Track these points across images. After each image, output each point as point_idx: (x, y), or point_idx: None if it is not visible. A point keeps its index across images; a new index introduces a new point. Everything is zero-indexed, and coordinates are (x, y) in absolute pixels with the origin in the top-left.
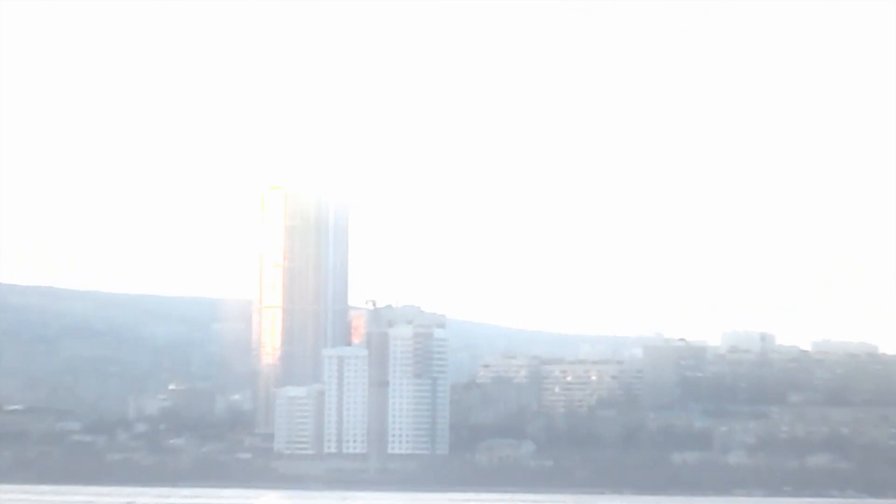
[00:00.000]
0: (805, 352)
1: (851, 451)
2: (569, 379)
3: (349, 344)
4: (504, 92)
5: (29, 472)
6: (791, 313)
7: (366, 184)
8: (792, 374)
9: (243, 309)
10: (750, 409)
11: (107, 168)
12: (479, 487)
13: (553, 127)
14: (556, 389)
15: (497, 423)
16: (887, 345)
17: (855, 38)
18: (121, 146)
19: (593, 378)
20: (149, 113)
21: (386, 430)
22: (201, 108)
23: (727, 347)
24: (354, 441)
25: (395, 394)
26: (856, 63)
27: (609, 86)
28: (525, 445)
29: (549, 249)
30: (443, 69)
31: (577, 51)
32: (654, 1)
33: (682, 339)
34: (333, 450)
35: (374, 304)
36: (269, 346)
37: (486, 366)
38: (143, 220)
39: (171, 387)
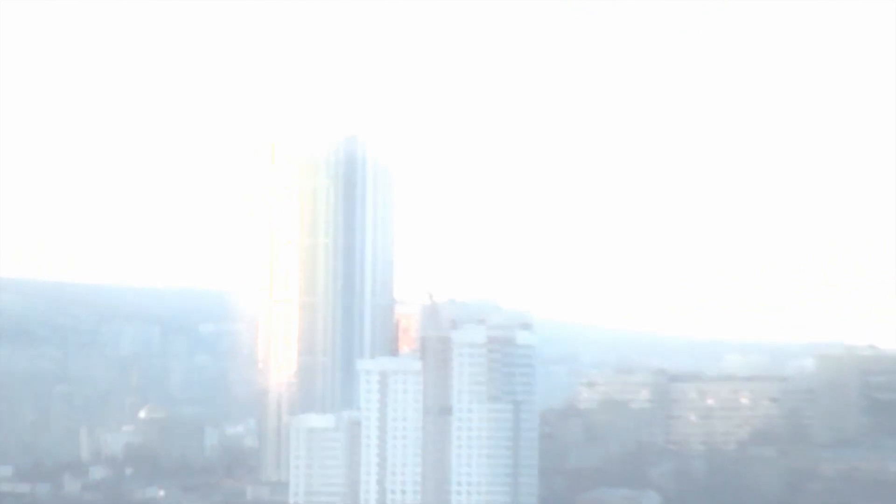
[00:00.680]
0: None
1: None
2: (709, 403)
3: (396, 354)
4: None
5: None
6: None
7: (419, 133)
8: None
9: (245, 304)
10: None
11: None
12: None
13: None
14: (692, 418)
15: (607, 466)
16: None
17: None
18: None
19: (744, 401)
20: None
21: (448, 477)
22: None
23: None
24: (404, 492)
25: (462, 425)
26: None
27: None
28: (647, 499)
29: (664, 231)
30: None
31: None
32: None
33: (871, 346)
34: None
35: (431, 298)
36: (282, 356)
37: (591, 384)
38: (105, 186)
39: (142, 415)
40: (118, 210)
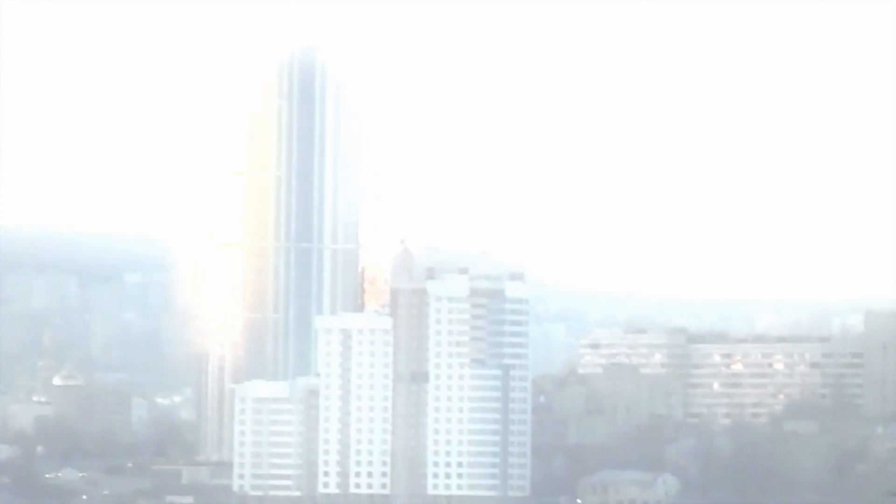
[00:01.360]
0: None
1: None
2: (737, 368)
3: (362, 309)
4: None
5: None
6: None
7: (395, 42)
8: None
9: (180, 249)
10: None
11: None
12: None
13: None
14: (715, 386)
15: (614, 443)
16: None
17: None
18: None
19: (779, 367)
20: None
21: (424, 455)
22: None
23: None
24: (370, 475)
25: (440, 394)
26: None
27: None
28: (662, 484)
29: (682, 177)
30: None
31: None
32: None
33: None
34: (334, 489)
35: (403, 243)
36: (225, 312)
37: (595, 346)
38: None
39: (57, 382)
40: (26, 138)
